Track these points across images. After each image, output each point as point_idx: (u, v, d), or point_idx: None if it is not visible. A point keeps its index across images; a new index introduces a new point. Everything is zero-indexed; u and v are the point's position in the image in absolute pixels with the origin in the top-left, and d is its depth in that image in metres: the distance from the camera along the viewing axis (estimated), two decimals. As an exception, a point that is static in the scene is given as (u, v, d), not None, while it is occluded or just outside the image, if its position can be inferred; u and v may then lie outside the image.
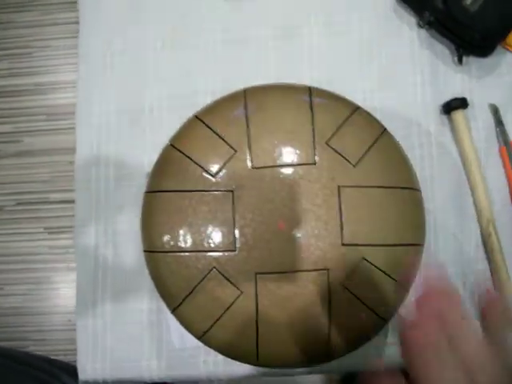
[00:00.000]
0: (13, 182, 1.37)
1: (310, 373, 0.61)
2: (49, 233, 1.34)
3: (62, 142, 1.37)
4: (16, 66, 1.44)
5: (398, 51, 0.66)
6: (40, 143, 1.39)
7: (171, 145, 0.51)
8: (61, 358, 0.82)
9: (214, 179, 0.48)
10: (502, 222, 0.62)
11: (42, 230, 1.35)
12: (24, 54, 1.44)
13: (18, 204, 1.37)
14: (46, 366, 0.74)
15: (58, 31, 1.43)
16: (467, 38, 0.62)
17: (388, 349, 0.60)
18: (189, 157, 0.49)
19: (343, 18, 0.67)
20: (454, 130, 0.63)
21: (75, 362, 0.63)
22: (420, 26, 0.66)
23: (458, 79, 0.65)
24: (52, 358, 0.81)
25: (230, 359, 0.59)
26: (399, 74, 0.66)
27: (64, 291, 1.33)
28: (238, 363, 0.59)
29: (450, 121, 0.63)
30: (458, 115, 0.62)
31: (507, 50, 0.66)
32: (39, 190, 1.36)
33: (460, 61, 0.64)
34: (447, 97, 0.64)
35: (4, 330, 1.33)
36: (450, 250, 0.61)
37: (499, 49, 0.64)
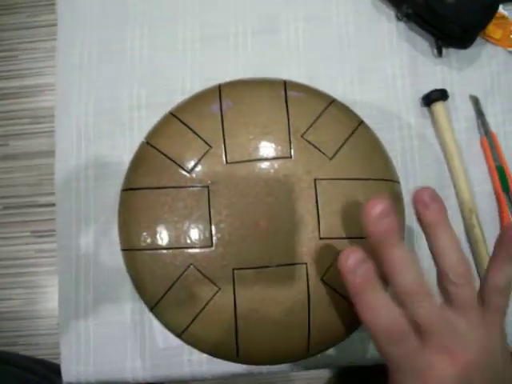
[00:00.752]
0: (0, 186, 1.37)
1: (292, 370, 0.61)
2: (36, 236, 1.34)
3: (48, 145, 1.36)
4: (1, 69, 1.43)
5: (377, 44, 0.66)
6: (26, 146, 1.38)
7: (146, 142, 0.51)
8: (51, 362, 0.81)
9: (189, 175, 0.48)
10: (485, 212, 0.62)
11: (29, 233, 1.35)
12: (10, 56, 1.44)
13: (5, 208, 1.36)
14: (41, 370, 0.74)
15: (44, 33, 1.42)
16: (446, 29, 0.62)
17: (372, 344, 0.60)
18: (164, 153, 0.49)
19: (322, 12, 0.67)
20: (434, 122, 0.63)
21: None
22: (398, 18, 0.66)
23: (437, 71, 0.65)
24: (46, 360, 0.80)
25: (214, 358, 0.59)
26: (379, 67, 0.66)
27: (52, 295, 1.32)
28: (222, 362, 0.59)
29: (431, 113, 0.63)
30: (439, 107, 0.62)
31: (487, 40, 0.66)
32: (26, 193, 1.35)
33: (440, 53, 0.64)
34: (427, 89, 0.63)
35: (-8, 334, 1.33)
36: (432, 242, 0.61)
37: (479, 40, 0.64)
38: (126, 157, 0.64)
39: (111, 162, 0.64)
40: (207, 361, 0.60)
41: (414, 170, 0.63)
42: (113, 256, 0.62)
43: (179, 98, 0.62)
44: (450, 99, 0.64)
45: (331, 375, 1.24)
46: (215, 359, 0.59)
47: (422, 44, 0.66)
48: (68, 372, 0.61)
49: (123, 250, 0.50)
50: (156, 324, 0.60)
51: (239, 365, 0.60)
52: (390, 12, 0.67)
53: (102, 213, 0.63)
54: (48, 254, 1.32)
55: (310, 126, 0.49)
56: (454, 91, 0.64)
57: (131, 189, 0.49)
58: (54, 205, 1.20)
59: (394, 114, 0.64)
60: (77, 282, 0.62)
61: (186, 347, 0.60)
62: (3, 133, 1.39)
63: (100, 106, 0.66)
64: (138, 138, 0.63)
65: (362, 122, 0.51)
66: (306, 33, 0.67)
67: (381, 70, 0.66)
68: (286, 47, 0.67)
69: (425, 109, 0.64)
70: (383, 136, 0.54)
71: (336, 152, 0.48)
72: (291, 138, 0.48)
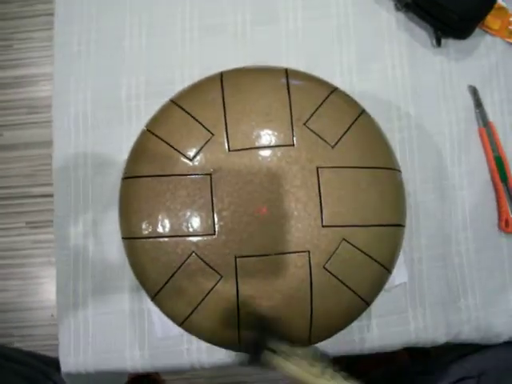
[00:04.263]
0: (-7, 176, 1.36)
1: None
2: (31, 227, 1.33)
3: (43, 136, 1.35)
4: (-4, 59, 1.42)
5: (377, 34, 0.66)
6: (21, 137, 1.37)
7: (147, 130, 0.51)
8: (45, 353, 0.80)
9: (191, 163, 0.47)
10: (483, 201, 0.62)
11: (23, 224, 1.34)
12: (4, 46, 1.42)
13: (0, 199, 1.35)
14: (35, 363, 0.73)
15: (38, 23, 1.41)
16: (445, 19, 0.62)
17: (372, 333, 0.60)
18: (165, 141, 0.48)
19: (321, 2, 0.67)
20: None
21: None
22: (398, 8, 0.66)
23: (436, 61, 0.66)
24: (40, 353, 0.80)
25: (213, 347, 0.59)
26: (378, 58, 0.66)
27: (47, 286, 1.31)
28: (220, 351, 0.59)
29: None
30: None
31: (486, 31, 0.66)
32: (20, 184, 1.34)
33: (438, 43, 0.65)
34: (426, 79, 0.64)
35: (-13, 326, 1.32)
36: (430, 231, 0.61)
37: (478, 31, 0.65)
38: (125, 145, 0.63)
39: (109, 150, 0.64)
40: (206, 350, 0.60)
41: (413, 160, 0.63)
42: (111, 245, 0.62)
43: (178, 86, 0.62)
44: (448, 89, 0.64)
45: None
46: (214, 349, 0.60)
47: (421, 35, 0.66)
48: (66, 362, 0.61)
49: (124, 238, 0.49)
50: (155, 314, 0.60)
51: (237, 354, 0.60)
52: (389, 2, 0.67)
53: (100, 201, 0.63)
54: (43, 245, 1.30)
55: (312, 114, 0.49)
56: (452, 82, 0.65)
57: (132, 177, 0.49)
58: (48, 196, 1.19)
59: (392, 103, 0.64)
60: (75, 271, 0.62)
61: (185, 337, 0.60)
62: (-2, 123, 1.38)
63: (98, 94, 0.66)
64: (136, 126, 0.63)
65: (363, 111, 0.51)
66: (305, 22, 0.67)
67: (380, 60, 0.66)
68: (284, 37, 0.66)
69: (423, 99, 0.64)
70: (382, 126, 0.54)
71: (338, 140, 0.48)
72: (293, 126, 0.48)
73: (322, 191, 0.47)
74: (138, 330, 0.61)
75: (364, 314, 0.51)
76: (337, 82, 0.60)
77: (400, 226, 0.50)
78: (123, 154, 0.63)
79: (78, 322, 0.62)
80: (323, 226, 0.46)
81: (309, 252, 0.46)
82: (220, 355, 0.60)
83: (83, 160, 0.64)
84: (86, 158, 0.64)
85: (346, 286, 0.46)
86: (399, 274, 0.60)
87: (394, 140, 0.63)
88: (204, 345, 0.60)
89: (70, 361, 0.61)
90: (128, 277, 0.61)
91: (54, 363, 0.70)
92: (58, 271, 0.63)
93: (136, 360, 0.61)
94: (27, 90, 1.41)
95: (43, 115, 1.38)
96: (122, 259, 0.61)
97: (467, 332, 0.60)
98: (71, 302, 0.62)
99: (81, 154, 0.64)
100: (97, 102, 0.65)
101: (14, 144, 1.38)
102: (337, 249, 0.46)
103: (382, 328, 0.60)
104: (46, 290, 1.33)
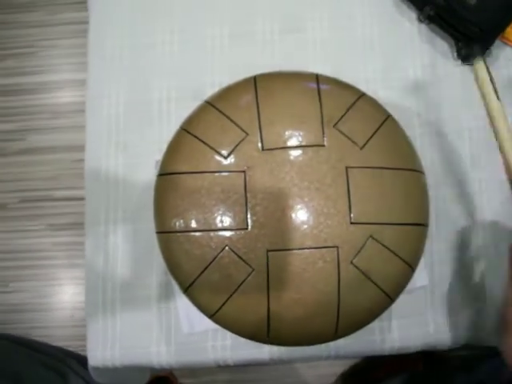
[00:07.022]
0: (16, 179, 1.39)
1: (317, 359, 0.63)
2: (52, 230, 1.36)
3: (66, 140, 1.38)
4: (21, 65, 1.45)
5: (399, 45, 0.68)
6: (44, 141, 1.40)
7: (183, 129, 0.53)
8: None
9: (225, 161, 0.49)
10: (502, 207, 0.64)
11: (45, 226, 1.36)
12: (29, 53, 1.46)
13: (22, 201, 1.38)
14: (61, 356, 0.75)
15: (63, 31, 1.44)
16: (466, 31, 0.64)
17: (392, 334, 0.62)
18: (201, 140, 0.50)
19: (346, 12, 0.70)
20: (477, 81, 0.66)
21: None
22: (420, 20, 0.68)
23: (457, 72, 0.67)
24: (63, 348, 0.81)
25: (237, 344, 0.61)
26: (400, 67, 0.68)
27: (68, 288, 1.33)
28: (245, 348, 0.61)
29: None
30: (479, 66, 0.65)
31: (505, 43, 0.68)
32: (43, 187, 1.37)
33: (459, 55, 0.67)
34: (447, 88, 0.66)
35: (8, 326, 1.34)
36: (451, 235, 0.63)
37: (497, 43, 0.67)
38: (155, 147, 0.65)
39: (140, 152, 0.66)
40: (230, 347, 0.62)
41: (433, 166, 0.65)
42: (140, 244, 0.64)
43: (208, 91, 0.64)
44: (468, 99, 0.66)
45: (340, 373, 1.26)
46: (238, 346, 0.61)
47: (443, 46, 0.68)
48: (94, 356, 0.63)
49: (158, 232, 0.51)
50: (181, 310, 0.62)
51: (262, 352, 0.62)
52: (412, 14, 0.69)
53: (130, 202, 0.65)
54: (63, 248, 1.32)
55: (342, 117, 0.51)
56: (472, 91, 0.67)
57: (168, 173, 0.51)
58: (70, 199, 1.22)
59: (414, 111, 0.66)
60: (104, 268, 0.64)
61: (211, 333, 0.62)
62: (21, 127, 1.41)
63: (130, 97, 0.68)
64: (167, 129, 0.66)
65: (389, 116, 0.53)
66: (330, 32, 0.69)
67: (402, 70, 0.68)
68: (311, 45, 0.69)
69: (444, 107, 0.66)
70: (404, 132, 0.56)
71: (366, 142, 0.50)
72: (324, 128, 0.50)
73: (350, 190, 0.48)
74: (165, 326, 0.63)
75: (385, 314, 0.53)
76: (361, 89, 0.63)
77: (424, 225, 0.51)
78: (153, 156, 0.65)
79: (106, 317, 0.63)
80: (351, 223, 0.48)
81: (337, 247, 0.48)
82: (244, 353, 0.62)
83: (114, 161, 0.66)
84: (117, 159, 0.66)
85: (372, 282, 0.48)
86: (420, 277, 0.61)
87: (416, 147, 0.64)
88: (229, 342, 0.62)
89: (98, 355, 0.63)
90: (156, 273, 0.63)
91: (76, 358, 0.71)
92: (88, 269, 0.64)
93: (162, 356, 0.62)
94: (51, 95, 1.44)
95: (66, 120, 1.41)
96: (150, 257, 0.63)
97: (486, 335, 0.62)
98: (100, 298, 0.64)
99: (112, 155, 0.67)
100: (129, 105, 0.68)
101: (37, 148, 1.41)
102: (364, 245, 0.48)
103: (403, 329, 0.62)
104: (66, 291, 1.34)
